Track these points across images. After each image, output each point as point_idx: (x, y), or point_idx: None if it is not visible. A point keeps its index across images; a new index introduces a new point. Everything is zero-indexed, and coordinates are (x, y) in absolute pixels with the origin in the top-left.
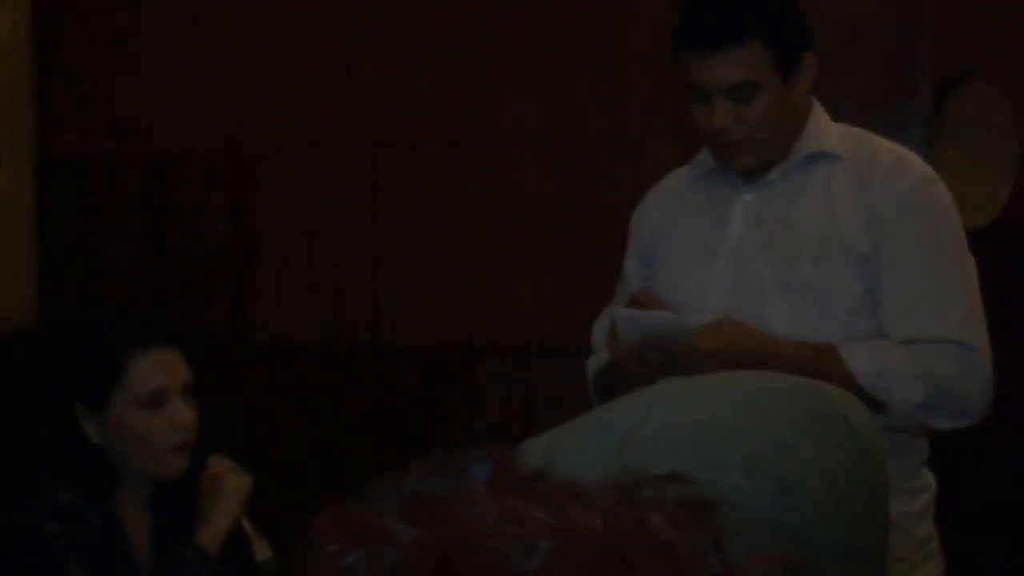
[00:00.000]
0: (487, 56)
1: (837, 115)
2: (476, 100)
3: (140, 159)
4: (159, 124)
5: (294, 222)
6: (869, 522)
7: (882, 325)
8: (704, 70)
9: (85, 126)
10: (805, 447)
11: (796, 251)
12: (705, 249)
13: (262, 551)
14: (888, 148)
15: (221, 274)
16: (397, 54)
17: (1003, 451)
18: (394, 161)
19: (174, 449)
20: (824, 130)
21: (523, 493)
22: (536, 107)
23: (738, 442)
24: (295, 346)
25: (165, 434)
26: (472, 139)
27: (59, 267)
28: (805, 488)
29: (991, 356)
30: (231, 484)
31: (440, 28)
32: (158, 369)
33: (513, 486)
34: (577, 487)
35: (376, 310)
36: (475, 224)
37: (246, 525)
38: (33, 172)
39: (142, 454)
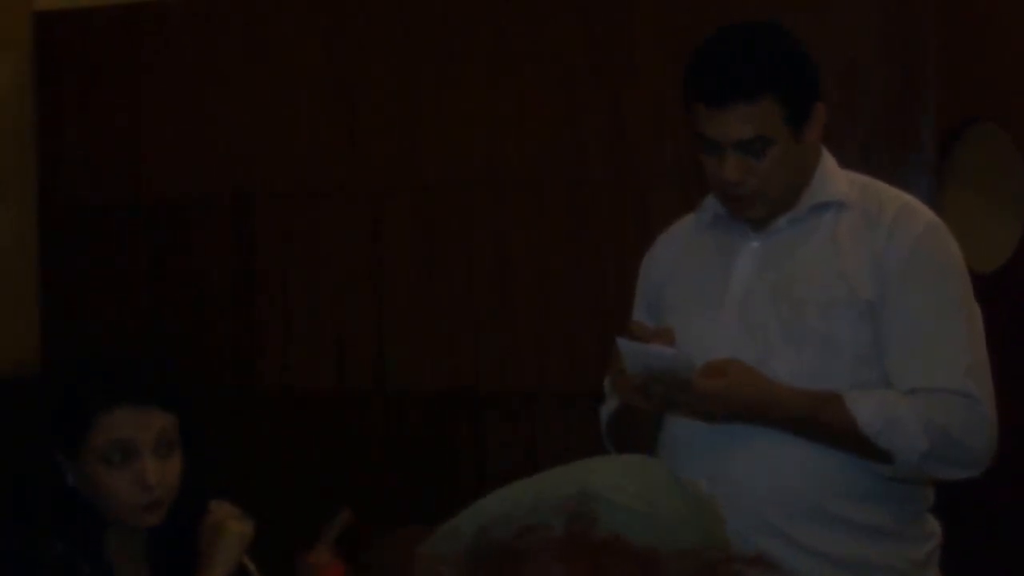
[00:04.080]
0: (492, 103)
1: (841, 160)
2: (481, 147)
3: (143, 205)
4: (162, 170)
5: (298, 267)
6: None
7: (887, 374)
8: (715, 125)
9: (87, 171)
10: (630, 485)
11: (802, 299)
12: (711, 296)
13: None
14: (895, 196)
15: (224, 320)
16: (402, 100)
17: (1010, 499)
18: (398, 206)
19: (144, 508)
20: (832, 178)
21: (596, 558)
22: (540, 154)
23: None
24: (298, 391)
25: (132, 492)
26: (476, 186)
27: (61, 311)
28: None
29: (995, 407)
30: (233, 530)
31: (445, 75)
32: (125, 424)
33: (587, 549)
34: (654, 555)
35: (380, 355)
36: (479, 270)
37: (250, 567)
38: (36, 216)
39: (113, 508)
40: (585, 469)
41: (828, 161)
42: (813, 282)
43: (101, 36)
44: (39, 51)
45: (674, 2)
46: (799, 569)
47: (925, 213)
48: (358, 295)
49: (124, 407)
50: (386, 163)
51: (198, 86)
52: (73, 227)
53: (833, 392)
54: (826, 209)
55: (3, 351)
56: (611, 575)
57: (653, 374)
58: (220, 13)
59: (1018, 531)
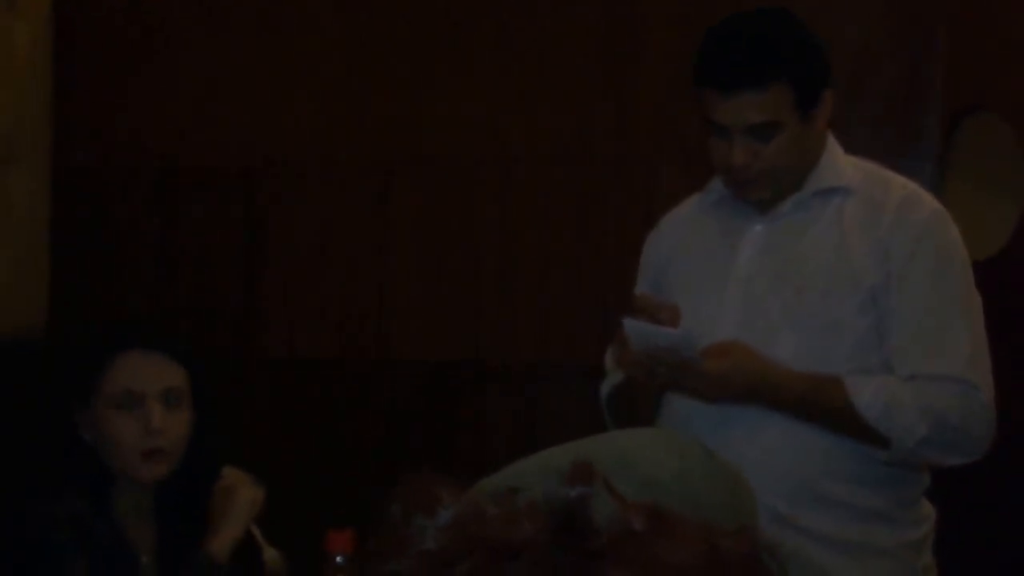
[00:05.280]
0: (499, 77)
1: (847, 146)
2: (488, 121)
3: (153, 171)
4: (173, 137)
5: (304, 237)
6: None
7: (888, 359)
8: (725, 109)
9: (100, 137)
10: (669, 460)
11: (805, 283)
12: (715, 277)
13: (272, 560)
14: (901, 184)
15: (231, 287)
16: (410, 74)
17: (1005, 481)
18: (405, 179)
19: (145, 454)
20: (838, 164)
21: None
22: (547, 129)
23: (618, 453)
24: (304, 359)
25: (137, 438)
26: (483, 159)
27: (71, 275)
28: (662, 486)
29: (994, 395)
30: (244, 495)
31: (452, 50)
32: (135, 371)
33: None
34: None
35: (384, 325)
36: (484, 243)
37: (257, 534)
38: (48, 180)
39: (116, 457)
40: (621, 440)
41: (834, 147)
42: (816, 266)
43: (118, 6)
44: (57, 20)
45: None
46: (792, 550)
47: (929, 201)
48: (363, 267)
49: (136, 352)
50: (393, 137)
51: (210, 58)
52: (84, 194)
53: (834, 376)
54: (831, 194)
55: (11, 314)
56: (680, 554)
57: (658, 353)
58: None
59: (1012, 515)
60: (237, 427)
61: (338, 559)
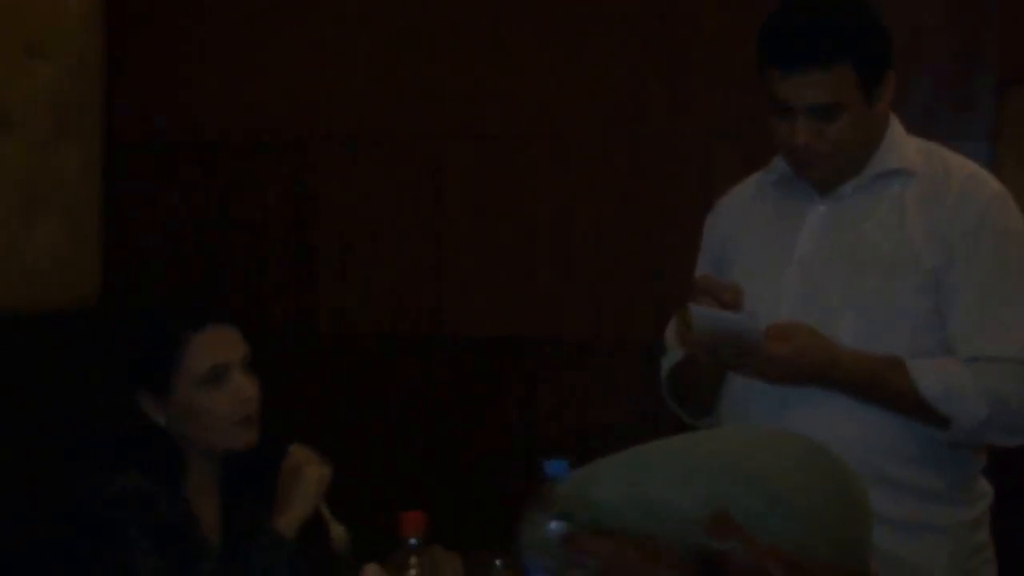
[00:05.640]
0: (553, 50)
1: (903, 122)
2: (542, 94)
3: (205, 144)
4: (225, 110)
5: (358, 210)
6: (849, 523)
7: (948, 342)
8: (789, 88)
9: (152, 109)
10: (798, 477)
11: (865, 265)
12: (775, 258)
13: (339, 537)
14: (961, 165)
15: (284, 260)
16: (466, 48)
17: None
18: (459, 154)
19: (240, 423)
20: (900, 146)
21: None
22: (602, 103)
23: (741, 466)
24: (356, 334)
25: (230, 409)
26: (536, 133)
27: (123, 248)
28: (790, 504)
29: None
30: (312, 473)
31: (509, 22)
32: (215, 346)
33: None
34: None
35: (438, 299)
36: (537, 217)
37: (324, 511)
38: (100, 152)
39: (210, 431)
40: (740, 446)
41: (896, 128)
42: (877, 248)
43: None
44: None
45: None
46: None
47: (991, 182)
48: (416, 241)
49: (212, 328)
50: (447, 110)
51: (263, 28)
52: (136, 165)
53: (895, 357)
54: (893, 176)
55: (65, 288)
56: None
57: (722, 336)
58: None
59: None
60: (292, 402)
61: (411, 541)
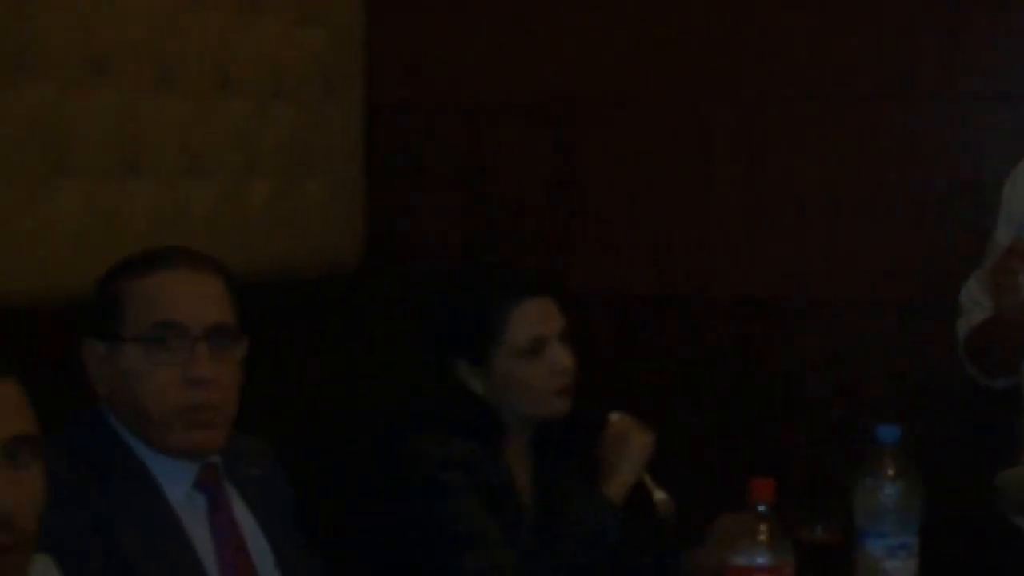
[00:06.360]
0: (822, 13)
1: None
2: (809, 57)
3: (465, 107)
4: (485, 72)
5: (618, 171)
6: None
7: None
8: None
9: (413, 72)
10: None
11: None
12: None
13: (662, 503)
14: None
15: (544, 223)
16: (726, 15)
17: None
18: (722, 118)
19: (558, 392)
20: None
21: None
22: (869, 65)
23: None
24: (617, 295)
25: (547, 380)
26: (803, 95)
27: (383, 209)
28: None
29: None
30: (637, 440)
31: None
32: (535, 318)
33: None
34: None
35: (701, 260)
36: (805, 178)
37: (647, 478)
38: (362, 117)
39: (526, 401)
40: None
41: None
42: None
43: None
44: None
45: None
46: None
47: None
48: (679, 202)
49: (532, 300)
50: (710, 72)
51: None
52: (396, 126)
53: None
54: None
55: (328, 251)
56: None
57: None
58: None
59: None
60: None
61: (760, 508)
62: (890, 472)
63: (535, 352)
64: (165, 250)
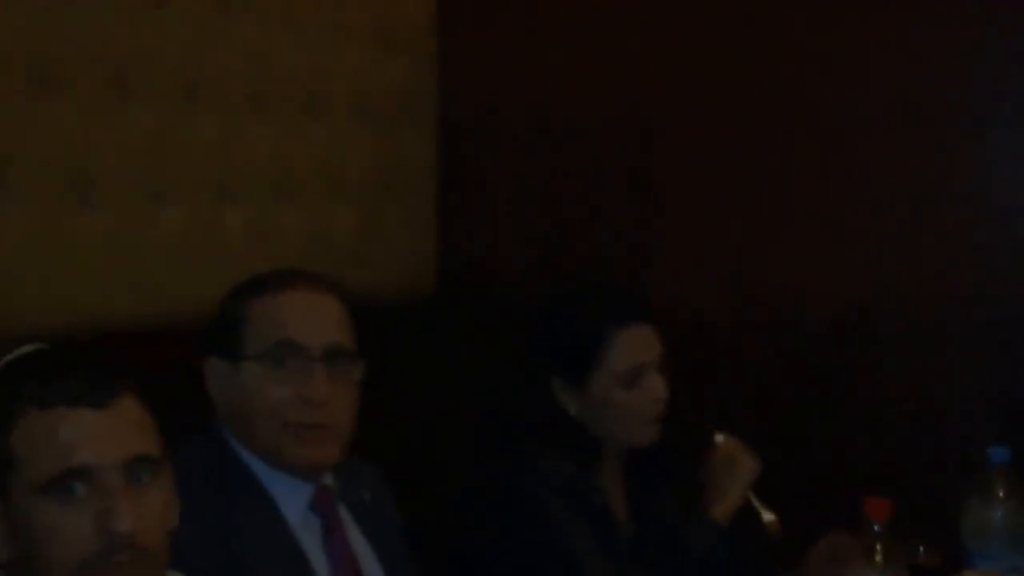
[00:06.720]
0: (898, 42)
1: None
2: (896, 82)
3: (540, 130)
4: (558, 95)
5: (698, 193)
6: None
7: None
8: None
9: (486, 97)
10: None
11: None
12: None
13: (770, 524)
14: None
15: (620, 244)
16: (795, 35)
17: None
18: (804, 140)
19: (651, 420)
20: None
21: None
22: (949, 91)
23: None
24: (691, 316)
25: (643, 408)
26: (886, 121)
27: (457, 229)
28: None
29: None
30: (744, 464)
31: (853, 10)
32: (636, 346)
33: None
34: None
35: (770, 280)
36: (882, 202)
37: (754, 500)
38: (435, 142)
39: (619, 427)
40: None
41: None
42: None
43: None
44: None
45: None
46: None
47: None
48: (747, 221)
49: (634, 327)
50: (790, 96)
51: (594, 10)
52: (471, 151)
53: None
54: None
55: (405, 276)
56: None
57: None
58: None
59: None
60: None
61: (875, 527)
62: (1000, 494)
63: (634, 379)
64: (288, 271)
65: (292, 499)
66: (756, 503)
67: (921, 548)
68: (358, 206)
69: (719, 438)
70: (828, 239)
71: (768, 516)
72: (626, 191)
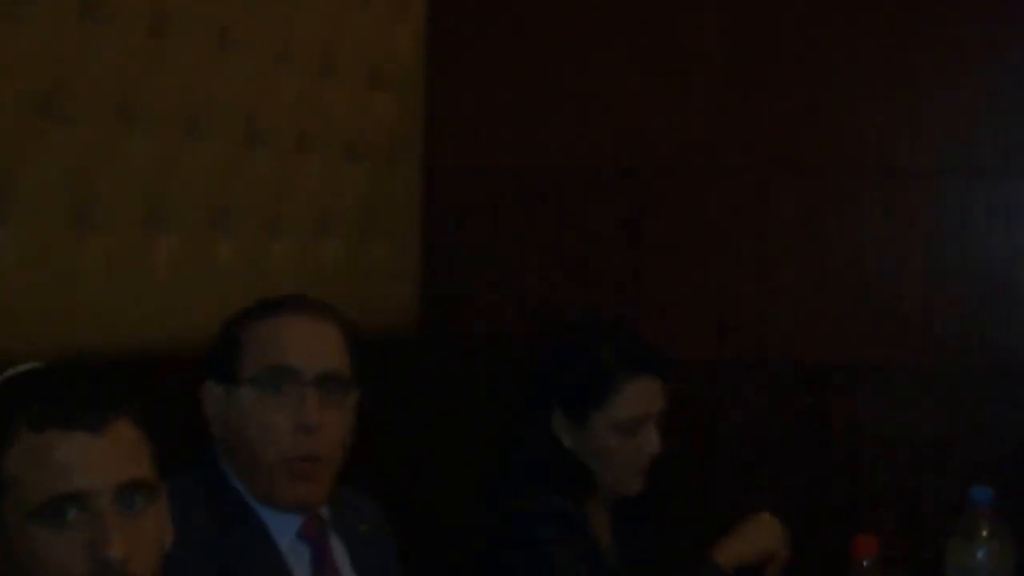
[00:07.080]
0: (884, 90)
1: None
2: (872, 133)
3: (526, 173)
4: (544, 138)
5: (681, 239)
6: None
7: None
8: None
9: (472, 138)
10: None
11: None
12: None
13: None
14: None
15: (603, 288)
16: (791, 77)
17: None
18: (783, 183)
19: (638, 471)
20: None
21: None
22: (930, 141)
23: None
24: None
25: (634, 458)
26: (862, 171)
27: (441, 276)
28: None
29: None
30: (769, 526)
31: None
32: (643, 398)
33: None
34: None
35: (760, 325)
36: (863, 251)
37: None
38: (420, 181)
39: (608, 471)
40: None
41: None
42: None
43: (490, 8)
44: (433, 20)
45: None
46: None
47: None
48: (740, 267)
49: (646, 377)
50: (771, 142)
51: (580, 58)
52: (455, 190)
53: None
54: None
55: (389, 312)
56: None
57: None
58: None
59: None
60: None
61: (864, 563)
62: (984, 533)
63: (632, 429)
64: (287, 297)
65: (281, 526)
66: None
67: None
68: (346, 241)
69: (764, 515)
70: (811, 284)
71: None
72: (612, 231)
